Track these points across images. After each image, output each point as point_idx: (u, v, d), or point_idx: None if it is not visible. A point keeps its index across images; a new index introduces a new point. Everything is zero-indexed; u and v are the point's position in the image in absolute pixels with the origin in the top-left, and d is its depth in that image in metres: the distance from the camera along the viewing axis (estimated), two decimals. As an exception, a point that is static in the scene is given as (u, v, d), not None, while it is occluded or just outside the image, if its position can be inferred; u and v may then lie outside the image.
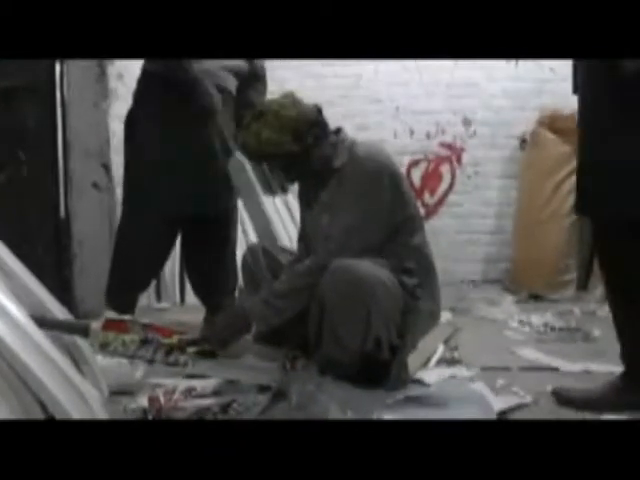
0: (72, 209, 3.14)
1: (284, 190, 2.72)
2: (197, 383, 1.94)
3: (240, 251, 2.79)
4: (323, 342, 2.00)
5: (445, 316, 2.78)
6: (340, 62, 4.04)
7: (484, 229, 4.28)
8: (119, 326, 1.82)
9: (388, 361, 1.98)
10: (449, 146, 4.27)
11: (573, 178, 1.98)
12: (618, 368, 1.90)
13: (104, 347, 1.77)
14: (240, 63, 2.58)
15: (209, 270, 2.65)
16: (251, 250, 2.42)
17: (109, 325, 1.80)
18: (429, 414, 1.75)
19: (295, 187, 2.39)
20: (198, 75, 2.41)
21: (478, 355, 2.39)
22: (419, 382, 2.05)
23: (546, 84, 4.04)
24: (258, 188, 2.68)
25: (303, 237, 2.29)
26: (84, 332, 1.70)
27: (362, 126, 4.04)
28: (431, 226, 3.72)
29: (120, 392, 1.87)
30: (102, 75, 3.15)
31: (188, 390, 1.88)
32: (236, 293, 2.75)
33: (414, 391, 1.95)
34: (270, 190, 2.72)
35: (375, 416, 1.71)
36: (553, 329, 2.89)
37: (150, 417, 1.75)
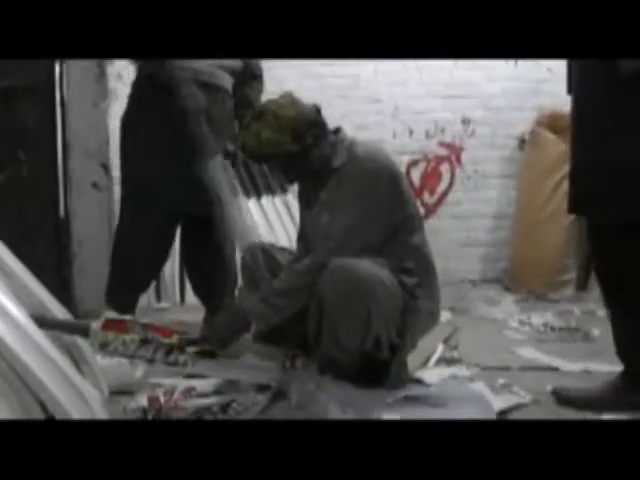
0: (72, 209, 3.14)
1: (284, 190, 2.73)
2: (197, 383, 1.94)
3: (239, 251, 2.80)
4: (323, 341, 2.00)
5: (445, 315, 2.78)
6: (339, 62, 4.04)
7: (483, 229, 4.28)
8: (119, 326, 1.82)
9: (388, 360, 1.98)
10: (448, 146, 4.27)
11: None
12: (618, 368, 1.91)
13: (104, 347, 1.78)
14: (235, 61, 2.58)
15: (209, 270, 2.65)
16: (250, 250, 2.42)
17: (109, 325, 1.80)
18: (429, 414, 1.75)
19: (295, 187, 2.39)
20: (180, 75, 2.42)
21: (478, 355, 2.39)
22: (419, 382, 2.05)
23: (545, 84, 4.04)
24: (239, 190, 2.62)
25: (302, 237, 2.29)
26: (84, 332, 1.70)
27: (361, 126, 4.04)
28: (430, 226, 3.71)
29: (120, 392, 1.87)
30: (101, 75, 3.15)
31: (188, 390, 1.88)
32: (236, 293, 2.75)
33: (414, 390, 1.95)
34: (254, 192, 2.72)
35: (375, 415, 1.71)
36: (553, 329, 2.89)
37: (150, 417, 1.74)
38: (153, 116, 2.46)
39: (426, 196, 4.30)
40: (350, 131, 2.22)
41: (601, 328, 2.68)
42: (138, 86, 2.55)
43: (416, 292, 2.05)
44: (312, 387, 1.81)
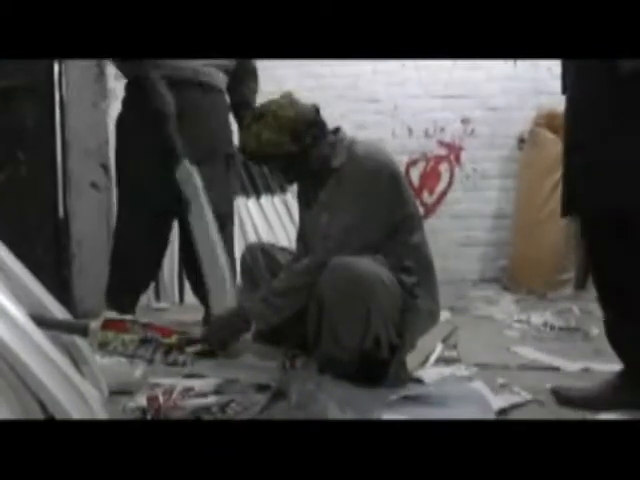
0: (71, 209, 3.14)
1: (283, 189, 2.73)
2: (196, 382, 1.94)
3: (239, 250, 2.80)
4: (322, 341, 2.00)
5: (444, 315, 2.79)
6: (339, 62, 4.04)
7: (483, 228, 4.29)
8: (118, 325, 1.82)
9: (387, 360, 1.98)
10: (448, 145, 4.27)
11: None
12: (617, 367, 1.91)
13: (103, 346, 1.77)
14: (230, 60, 2.59)
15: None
16: (250, 249, 2.42)
17: (108, 324, 1.80)
18: (428, 413, 1.75)
19: (294, 187, 2.39)
20: (154, 77, 2.44)
21: (477, 354, 2.39)
22: (418, 381, 2.05)
23: (544, 84, 4.05)
24: (204, 200, 2.47)
25: (302, 236, 2.29)
26: (83, 332, 1.70)
27: (361, 125, 4.05)
28: (430, 225, 3.73)
29: (119, 392, 1.87)
30: (101, 75, 3.15)
31: (187, 390, 1.88)
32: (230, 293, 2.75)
33: (413, 390, 1.95)
34: (253, 192, 2.68)
35: (374, 415, 1.71)
36: (552, 328, 2.89)
37: (149, 417, 1.74)
38: (136, 117, 2.51)
39: (425, 195, 4.30)
40: (349, 131, 2.22)
41: (600, 327, 2.66)
42: (126, 88, 2.61)
43: (415, 291, 2.05)
44: (312, 387, 1.81)
